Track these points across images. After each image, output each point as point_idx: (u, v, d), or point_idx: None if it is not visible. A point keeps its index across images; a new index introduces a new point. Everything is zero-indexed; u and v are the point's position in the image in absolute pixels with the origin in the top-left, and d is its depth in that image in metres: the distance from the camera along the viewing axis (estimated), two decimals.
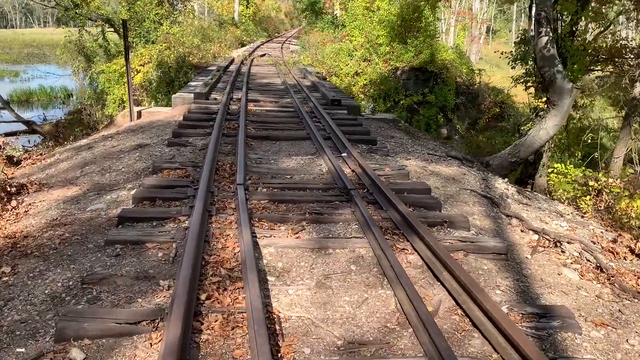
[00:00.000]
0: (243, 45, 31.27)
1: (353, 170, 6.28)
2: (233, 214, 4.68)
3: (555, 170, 7.58)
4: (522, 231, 5.29)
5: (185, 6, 30.12)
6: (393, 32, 20.47)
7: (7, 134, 24.11)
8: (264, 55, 23.82)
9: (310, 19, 40.98)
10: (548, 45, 8.23)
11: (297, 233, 4.46)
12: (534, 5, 8.95)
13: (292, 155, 7.00)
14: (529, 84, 11.31)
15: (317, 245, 4.26)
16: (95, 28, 23.77)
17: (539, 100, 9.88)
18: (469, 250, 4.36)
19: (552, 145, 10.20)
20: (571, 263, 4.63)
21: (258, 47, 29.06)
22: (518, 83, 11.70)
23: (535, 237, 5.11)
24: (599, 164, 11.56)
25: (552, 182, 9.96)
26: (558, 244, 4.94)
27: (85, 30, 23.24)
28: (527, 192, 6.88)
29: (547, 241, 4.99)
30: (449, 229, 4.86)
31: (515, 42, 12.73)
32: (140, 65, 20.19)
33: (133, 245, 4.05)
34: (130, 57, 21.05)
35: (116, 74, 20.31)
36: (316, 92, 12.39)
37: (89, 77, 22.25)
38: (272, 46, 30.79)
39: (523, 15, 55.82)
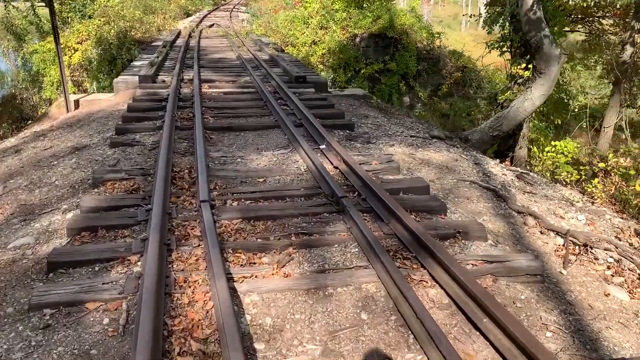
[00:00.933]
0: (189, 15, 29.30)
1: (336, 167, 5.29)
2: (199, 245, 3.63)
3: (553, 150, 6.83)
4: (541, 233, 4.47)
5: None
6: None
7: None
8: (213, 25, 22.18)
9: None
10: (534, 7, 7.37)
11: (284, 266, 3.47)
12: None
13: (261, 150, 5.93)
14: (504, 50, 10.50)
15: (313, 284, 3.29)
16: (24, 3, 21.48)
17: (518, 67, 9.09)
18: (499, 273, 3.49)
19: (532, 115, 9.48)
20: (612, 275, 3.84)
21: (205, 16, 27.21)
22: (493, 48, 10.90)
23: (559, 240, 4.31)
24: (588, 134, 10.97)
25: (534, 154, 9.28)
26: (588, 249, 4.15)
27: (12, 5, 20.94)
28: (527, 176, 6.09)
29: (574, 245, 4.19)
30: (463, 241, 3.97)
31: (486, 3, 11.83)
32: (78, 42, 18.32)
33: (68, 309, 2.97)
34: (66, 33, 19.16)
35: (51, 54, 18.34)
36: (276, 66, 11.21)
37: (21, 57, 20.13)
38: (220, 15, 28.93)
39: None
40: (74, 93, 18.04)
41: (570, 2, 9.93)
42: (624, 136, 10.03)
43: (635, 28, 9.60)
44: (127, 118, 6.94)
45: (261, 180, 5.04)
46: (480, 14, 11.51)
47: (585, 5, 9.82)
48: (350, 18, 18.76)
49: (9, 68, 23.79)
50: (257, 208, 4.29)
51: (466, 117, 19.03)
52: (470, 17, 11.92)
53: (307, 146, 5.72)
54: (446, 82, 19.08)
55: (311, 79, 9.77)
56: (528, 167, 9.91)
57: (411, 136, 7.25)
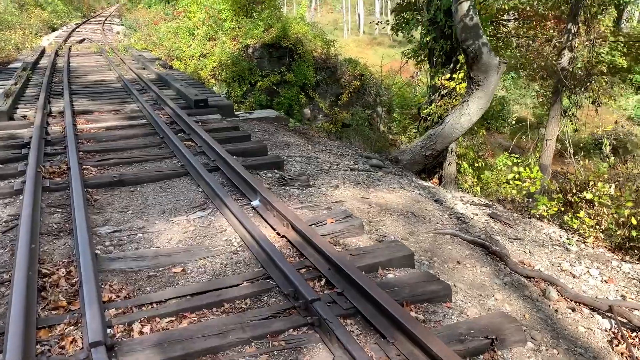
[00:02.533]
0: (55, 29, 25.88)
1: (283, 236, 3.79)
2: None
3: (517, 177, 5.87)
4: (573, 310, 3.34)
5: None
6: (236, 5, 17.69)
7: None
8: (84, 40, 19.44)
9: None
10: (470, 12, 6.40)
11: None
12: None
13: (170, 214, 4.26)
14: (421, 59, 9.59)
15: None
16: None
17: (443, 78, 8.18)
18: None
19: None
20: None
21: (74, 30, 24.11)
22: (409, 57, 9.97)
23: (604, 323, 3.19)
24: (534, 149, 10.34)
25: (463, 171, 8.42)
26: None
27: None
28: (499, 214, 5.02)
29: (629, 331, 3.09)
30: (501, 352, 2.70)
31: (393, 9, 10.89)
32: None
33: None
34: None
35: None
36: (167, 87, 9.38)
37: None
38: (91, 28, 25.85)
39: None
40: None
41: (497, 5, 9.26)
42: (566, 149, 9.59)
43: (572, 32, 9.14)
44: None
45: (179, 270, 3.41)
46: (387, 20, 10.55)
47: (507, 7, 9.20)
48: (240, 28, 17.17)
49: None
50: (183, 335, 2.67)
51: (368, 127, 18.32)
52: (378, 24, 10.94)
53: (233, 203, 4.16)
54: (345, 91, 18.18)
55: (214, 102, 8.12)
56: (457, 184, 9.07)
57: (351, 169, 5.93)
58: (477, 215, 4.94)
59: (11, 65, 12.42)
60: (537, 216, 5.18)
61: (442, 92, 8.54)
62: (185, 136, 6.29)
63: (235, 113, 8.44)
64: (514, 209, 5.89)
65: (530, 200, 6.13)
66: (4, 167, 5.15)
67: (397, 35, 9.77)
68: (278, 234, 3.83)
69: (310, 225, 3.86)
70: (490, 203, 5.58)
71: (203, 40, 16.68)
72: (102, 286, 3.13)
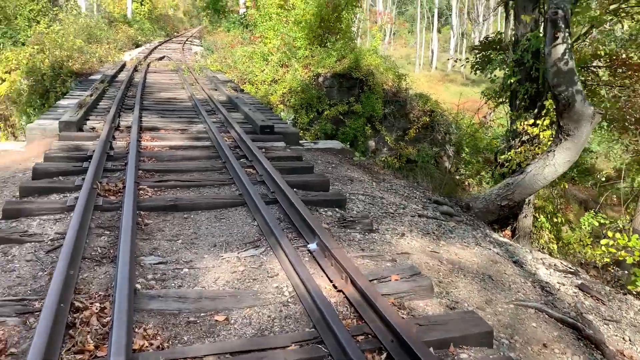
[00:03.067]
0: (138, 46, 27.02)
1: (340, 290, 3.33)
2: None
3: (611, 242, 5.13)
4: None
5: (68, 1, 25.44)
6: (312, 34, 17.71)
7: None
8: (163, 58, 20.05)
9: (213, 18, 37.29)
10: (566, 56, 5.80)
11: None
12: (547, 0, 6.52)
13: (220, 249, 3.91)
14: (501, 101, 8.99)
15: None
16: None
17: (525, 123, 7.55)
18: None
19: None
20: None
21: (156, 47, 25.04)
22: (489, 99, 9.39)
23: None
24: (625, 209, 9.46)
25: (540, 225, 7.66)
26: None
27: None
28: (590, 287, 4.33)
29: None
30: None
31: (473, 47, 10.37)
32: (6, 72, 15.81)
33: None
34: None
35: None
36: (236, 111, 9.24)
37: None
38: (171, 47, 26.81)
39: (428, 16, 55.47)
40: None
41: (590, 51, 8.53)
42: None
43: None
44: (27, 190, 4.74)
45: (222, 319, 3.01)
46: (467, 58, 10.05)
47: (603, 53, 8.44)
48: (313, 56, 17.13)
49: None
50: None
51: (434, 165, 17.65)
52: (456, 61, 10.45)
53: (288, 244, 3.75)
54: (413, 126, 17.67)
55: (280, 129, 7.85)
56: (531, 239, 8.29)
57: (419, 215, 5.41)
58: (563, 285, 4.28)
59: (92, 77, 12.82)
60: (635, 293, 4.45)
61: (523, 138, 7.89)
62: (247, 162, 5.99)
63: (300, 142, 8.12)
64: (601, 278, 5.14)
65: (620, 270, 5.36)
66: (62, 180, 5.01)
67: (475, 74, 9.20)
68: (335, 287, 3.37)
69: (371, 280, 3.38)
70: (576, 270, 4.88)
71: (276, 66, 16.73)
72: (136, 329, 2.77)
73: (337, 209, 5.00)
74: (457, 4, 47.96)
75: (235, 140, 7.05)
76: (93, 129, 7.16)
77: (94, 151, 5.73)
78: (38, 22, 20.21)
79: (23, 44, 17.86)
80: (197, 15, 57.43)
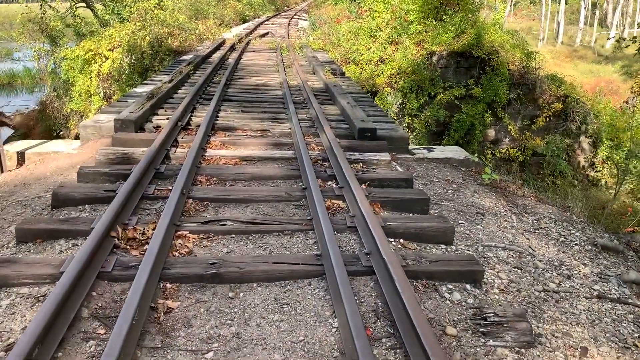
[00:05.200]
0: (245, 21, 26.13)
1: None
2: None
3: None
4: None
5: None
6: (427, 6, 15.34)
7: None
8: (266, 34, 18.75)
9: None
10: None
11: None
12: None
13: None
14: None
15: None
16: (62, 3, 18.84)
17: None
18: None
19: None
20: None
21: (262, 23, 23.92)
22: None
23: None
24: None
25: None
26: None
27: (49, 5, 18.29)
28: None
29: None
30: None
31: None
32: (109, 50, 15.34)
33: None
34: (98, 39, 16.27)
35: (80, 61, 15.49)
36: (332, 103, 7.50)
37: (53, 62, 17.38)
38: (278, 22, 25.57)
39: None
40: (102, 106, 15.05)
41: None
42: None
43: None
44: (26, 233, 3.37)
45: None
46: (634, 37, 7.42)
47: None
48: (427, 32, 14.82)
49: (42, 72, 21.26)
50: None
51: (566, 160, 14.75)
52: (618, 41, 7.84)
53: None
54: (543, 114, 14.83)
55: (383, 132, 5.97)
56: None
57: (598, 296, 3.34)
58: None
59: (183, 57, 11.71)
60: None
61: None
62: (337, 190, 4.24)
63: (410, 148, 6.20)
64: None
65: None
66: (78, 219, 3.57)
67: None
68: None
69: None
70: None
71: (384, 43, 14.68)
72: None
73: (468, 287, 3.11)
74: None
75: (324, 149, 5.32)
76: (157, 127, 5.79)
77: (141, 162, 4.29)
78: None
79: (126, 20, 17.40)
80: None
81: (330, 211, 3.86)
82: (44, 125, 17.69)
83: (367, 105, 7.43)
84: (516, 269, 3.56)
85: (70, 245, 3.26)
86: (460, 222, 4.30)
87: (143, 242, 3.25)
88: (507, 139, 15.14)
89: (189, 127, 5.93)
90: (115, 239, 3.21)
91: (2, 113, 20.81)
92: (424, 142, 13.48)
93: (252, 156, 5.09)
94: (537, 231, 4.57)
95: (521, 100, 14.75)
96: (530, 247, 4.09)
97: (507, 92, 14.39)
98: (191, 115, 6.29)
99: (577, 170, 15.22)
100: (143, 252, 3.11)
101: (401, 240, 3.55)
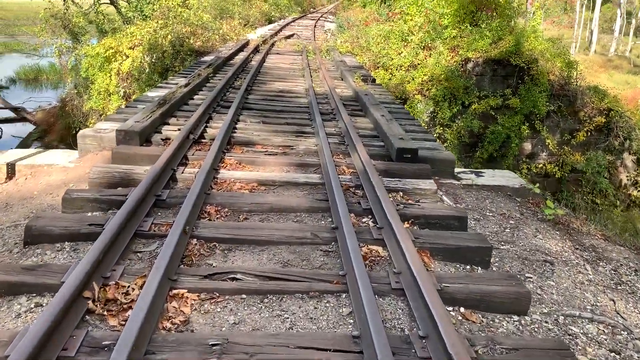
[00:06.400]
0: (271, 22, 25.40)
1: None
2: None
3: None
4: None
5: None
6: (462, 10, 14.38)
7: None
8: (292, 36, 17.97)
9: None
10: None
11: None
12: None
13: None
14: None
15: None
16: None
17: None
18: None
19: None
20: None
21: (288, 24, 23.17)
22: None
23: None
24: None
25: None
26: None
27: (72, 1, 17.80)
28: None
29: None
30: None
31: None
32: (130, 48, 14.73)
33: None
34: (119, 36, 15.71)
35: (100, 59, 14.90)
36: (363, 115, 6.66)
37: (74, 59, 16.88)
38: (304, 24, 24.80)
39: None
40: (120, 106, 14.44)
41: None
42: None
43: None
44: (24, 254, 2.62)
45: None
46: None
47: None
48: (462, 37, 13.86)
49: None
50: None
51: (607, 178, 13.65)
52: None
53: None
54: (584, 128, 13.76)
55: (424, 152, 5.10)
56: None
57: None
58: None
59: (204, 58, 10.98)
60: None
61: None
62: (375, 231, 3.40)
63: (455, 173, 5.30)
64: None
65: None
66: (47, 267, 2.76)
67: None
68: None
69: None
70: None
71: (416, 48, 13.77)
72: None
73: None
74: None
75: (357, 171, 4.48)
76: (166, 140, 5.02)
77: (139, 187, 3.51)
78: None
79: (149, 18, 16.81)
80: None
81: (367, 262, 3.02)
82: (64, 122, 17.23)
83: (403, 118, 6.56)
84: (613, 355, 2.68)
85: (32, 306, 2.49)
86: (527, 275, 3.43)
87: (125, 305, 2.45)
88: (544, 154, 14.10)
89: (203, 140, 5.15)
90: (90, 301, 2.42)
91: (24, 109, 20.38)
92: (455, 154, 12.53)
93: (272, 180, 4.27)
94: (619, 287, 3.67)
95: (561, 113, 13.70)
96: (619, 313, 3.20)
97: (547, 103, 13.36)
98: (206, 126, 5.51)
99: (618, 189, 14.10)
100: (123, 322, 2.32)
101: (462, 310, 2.70)
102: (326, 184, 4.14)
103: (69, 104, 17.37)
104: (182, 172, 4.17)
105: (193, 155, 4.62)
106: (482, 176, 5.36)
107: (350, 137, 5.21)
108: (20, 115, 19.07)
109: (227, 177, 4.20)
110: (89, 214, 3.43)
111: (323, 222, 3.63)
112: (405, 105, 12.92)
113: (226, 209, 3.65)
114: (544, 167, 13.93)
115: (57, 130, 17.98)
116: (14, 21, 43.30)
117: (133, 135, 4.71)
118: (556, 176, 13.94)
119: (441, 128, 13.20)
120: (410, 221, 3.63)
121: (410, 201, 4.03)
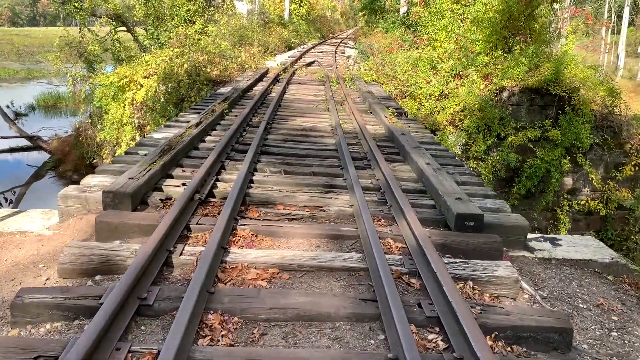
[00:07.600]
0: (291, 48, 24.71)
1: None
2: None
3: None
4: None
5: (224, 0, 23.79)
6: (495, 37, 13.38)
7: (11, 150, 18.83)
8: (313, 63, 17.12)
9: (369, 18, 34.11)
10: None
11: None
12: None
13: None
14: None
15: None
16: (100, 26, 17.80)
17: None
18: None
19: None
20: None
21: (307, 51, 22.42)
22: None
23: None
24: None
25: None
26: None
27: (88, 29, 17.26)
28: None
29: None
30: None
31: None
32: (145, 77, 13.99)
33: None
34: (133, 65, 15.01)
35: (113, 88, 14.17)
36: (403, 161, 5.60)
37: (87, 87, 16.24)
38: (324, 50, 24.04)
39: (611, 14, 46.63)
40: (134, 136, 13.59)
41: None
42: None
43: None
44: None
45: None
46: None
47: None
48: (495, 64, 12.82)
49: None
50: None
51: None
52: None
53: None
54: (631, 161, 12.50)
55: (489, 216, 4.00)
56: None
57: None
58: None
59: (221, 90, 10.10)
60: None
61: None
62: (442, 343, 2.31)
63: (527, 241, 4.19)
64: None
65: None
66: None
67: None
68: None
69: None
70: None
71: (447, 76, 12.75)
72: None
73: None
74: None
75: (407, 248, 3.41)
76: (166, 201, 4.02)
77: (118, 284, 2.50)
78: (193, 23, 18.63)
79: (165, 46, 16.14)
80: (353, 16, 55.00)
81: None
82: (78, 152, 16.56)
83: (450, 164, 5.47)
84: None
85: None
86: None
87: None
88: (587, 189, 12.84)
89: (211, 199, 4.14)
90: None
91: (39, 137, 19.76)
92: (491, 189, 11.41)
93: (297, 263, 3.21)
94: None
95: (606, 146, 12.48)
96: None
97: (590, 135, 12.17)
98: (216, 179, 4.51)
99: None
100: None
101: None
102: (371, 270, 3.08)
103: (83, 133, 16.71)
104: (181, 254, 3.14)
105: (197, 224, 3.60)
106: (560, 245, 4.23)
107: (393, 195, 4.15)
108: (35, 143, 18.54)
109: (239, 261, 3.16)
110: (45, 328, 2.41)
111: (372, 340, 2.54)
112: (435, 137, 11.91)
113: (235, 319, 2.59)
114: (587, 204, 12.67)
115: (72, 159, 17.33)
116: (39, 48, 43.68)
117: (123, 198, 3.72)
118: (600, 214, 12.67)
119: (475, 162, 12.08)
120: (493, 335, 2.54)
121: (486, 298, 2.95)
